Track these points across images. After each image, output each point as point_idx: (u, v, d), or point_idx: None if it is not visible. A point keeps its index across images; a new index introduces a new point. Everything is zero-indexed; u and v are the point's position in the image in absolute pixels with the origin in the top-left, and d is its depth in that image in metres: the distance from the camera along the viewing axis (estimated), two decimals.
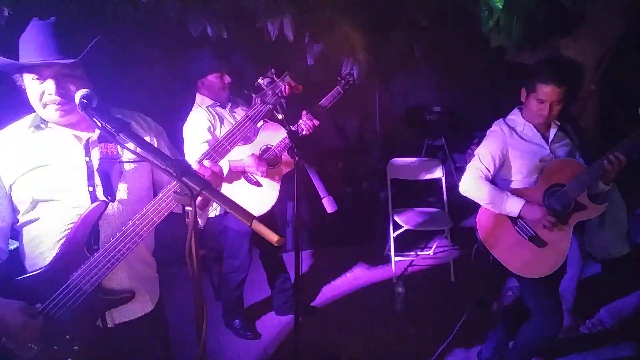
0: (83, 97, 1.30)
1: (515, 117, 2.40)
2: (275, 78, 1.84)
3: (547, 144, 2.34)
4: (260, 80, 1.80)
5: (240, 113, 2.78)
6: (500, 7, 2.35)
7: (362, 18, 2.88)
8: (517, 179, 2.35)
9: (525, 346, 2.47)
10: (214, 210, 2.70)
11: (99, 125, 1.22)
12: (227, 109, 2.77)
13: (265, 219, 2.51)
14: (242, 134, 1.63)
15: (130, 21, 2.79)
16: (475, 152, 2.37)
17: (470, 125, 4.14)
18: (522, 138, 2.34)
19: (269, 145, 2.72)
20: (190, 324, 1.24)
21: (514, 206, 2.24)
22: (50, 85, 1.34)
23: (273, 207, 2.77)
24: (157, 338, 1.64)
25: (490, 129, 2.42)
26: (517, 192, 2.30)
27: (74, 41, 1.37)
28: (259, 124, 2.76)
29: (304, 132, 2.66)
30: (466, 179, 2.34)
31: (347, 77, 2.86)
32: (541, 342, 2.42)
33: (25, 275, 1.38)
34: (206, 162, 1.37)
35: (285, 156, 2.74)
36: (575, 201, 2.25)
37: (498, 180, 2.41)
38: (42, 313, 1.35)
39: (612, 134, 2.23)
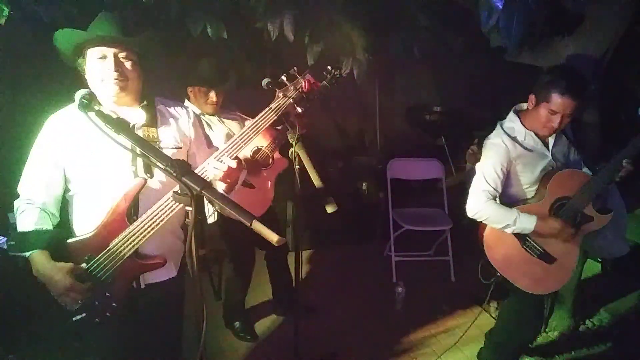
0: (83, 96, 1.32)
1: (514, 124, 2.28)
2: (297, 75, 1.98)
3: (549, 150, 2.28)
4: (283, 77, 1.94)
5: (232, 119, 2.75)
6: (500, 7, 2.35)
7: (362, 18, 2.88)
8: (519, 190, 2.29)
9: (508, 347, 2.50)
10: (212, 217, 2.68)
11: (97, 125, 1.30)
12: (217, 116, 2.72)
13: (266, 219, 2.50)
14: (265, 125, 1.78)
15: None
16: (478, 169, 2.26)
17: (470, 125, 4.14)
18: (524, 148, 2.23)
19: (259, 147, 2.71)
20: (190, 323, 1.24)
21: (527, 223, 2.14)
22: (110, 62, 1.56)
23: (273, 207, 2.76)
24: (176, 302, 1.83)
25: (490, 140, 2.28)
26: (523, 210, 2.21)
27: (132, 30, 1.62)
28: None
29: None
30: (475, 203, 2.21)
31: (333, 70, 2.80)
32: (522, 344, 2.49)
33: (74, 239, 1.59)
34: (225, 159, 1.54)
35: (277, 156, 2.73)
36: (582, 213, 2.22)
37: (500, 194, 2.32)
38: (87, 272, 1.53)
39: (613, 134, 2.22)
